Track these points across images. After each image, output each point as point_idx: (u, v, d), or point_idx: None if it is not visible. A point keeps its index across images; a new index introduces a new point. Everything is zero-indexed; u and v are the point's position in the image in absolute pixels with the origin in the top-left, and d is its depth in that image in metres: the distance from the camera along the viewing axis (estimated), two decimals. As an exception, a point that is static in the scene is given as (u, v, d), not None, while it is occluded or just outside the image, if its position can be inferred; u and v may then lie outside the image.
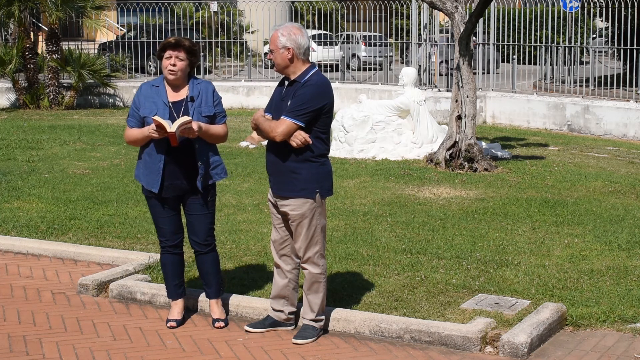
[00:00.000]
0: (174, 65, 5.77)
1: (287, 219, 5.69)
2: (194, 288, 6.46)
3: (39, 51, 22.28)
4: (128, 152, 13.33)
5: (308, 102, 5.49)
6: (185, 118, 5.65)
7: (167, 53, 5.79)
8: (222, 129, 5.92)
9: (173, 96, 5.84)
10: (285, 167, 5.59)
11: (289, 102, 5.53)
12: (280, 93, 5.66)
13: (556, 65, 21.08)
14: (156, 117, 5.61)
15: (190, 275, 6.79)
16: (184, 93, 5.85)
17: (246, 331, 5.87)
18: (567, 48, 20.95)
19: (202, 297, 6.22)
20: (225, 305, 6.17)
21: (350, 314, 5.97)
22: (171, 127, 5.59)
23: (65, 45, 21.69)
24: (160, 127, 5.61)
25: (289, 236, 5.76)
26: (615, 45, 20.39)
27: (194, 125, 5.66)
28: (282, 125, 5.48)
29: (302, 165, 5.55)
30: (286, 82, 5.65)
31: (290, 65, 5.58)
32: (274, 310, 5.91)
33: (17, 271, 7.28)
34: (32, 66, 20.68)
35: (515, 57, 20.44)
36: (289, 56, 5.55)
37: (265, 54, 26.65)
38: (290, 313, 5.89)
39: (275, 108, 5.65)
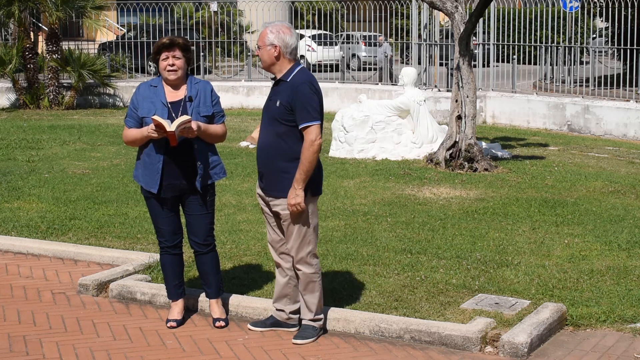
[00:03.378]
0: (173, 65, 5.78)
1: (279, 218, 5.70)
2: (194, 288, 6.46)
3: (39, 51, 22.30)
4: (128, 152, 13.33)
5: (310, 100, 5.49)
6: (185, 117, 5.64)
7: (163, 55, 5.79)
8: (220, 129, 5.93)
9: (171, 96, 5.84)
10: (276, 166, 5.59)
11: (277, 102, 5.55)
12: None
13: (556, 65, 21.08)
14: (155, 117, 5.61)
15: (190, 275, 6.78)
16: (182, 93, 5.85)
17: (249, 329, 5.88)
18: (567, 48, 20.96)
19: (202, 297, 6.22)
20: (225, 305, 6.17)
21: (350, 314, 5.96)
22: (170, 127, 5.59)
23: (65, 45, 21.71)
24: (159, 127, 5.61)
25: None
26: (615, 45, 20.39)
27: (193, 125, 5.66)
28: (312, 134, 5.46)
29: (292, 164, 5.53)
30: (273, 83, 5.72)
31: (276, 63, 5.61)
32: (276, 310, 5.91)
33: (17, 271, 7.28)
34: (32, 66, 20.68)
35: (515, 57, 20.44)
36: (275, 54, 5.58)
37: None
38: (291, 312, 5.88)
39: (265, 109, 5.69)
